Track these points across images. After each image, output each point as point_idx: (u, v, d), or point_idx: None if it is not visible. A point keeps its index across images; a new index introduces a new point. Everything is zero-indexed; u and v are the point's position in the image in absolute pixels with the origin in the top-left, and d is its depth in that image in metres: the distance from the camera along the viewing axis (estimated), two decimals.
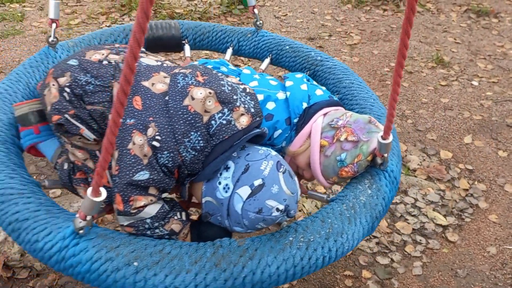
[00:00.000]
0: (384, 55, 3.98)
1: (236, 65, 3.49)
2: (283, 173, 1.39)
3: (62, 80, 1.47)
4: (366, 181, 1.58)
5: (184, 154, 1.37)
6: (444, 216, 2.49)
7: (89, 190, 1.15)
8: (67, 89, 1.45)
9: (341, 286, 2.11)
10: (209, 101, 1.39)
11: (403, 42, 1.14)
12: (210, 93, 1.41)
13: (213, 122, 1.38)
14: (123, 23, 4.16)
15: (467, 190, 2.66)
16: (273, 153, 1.45)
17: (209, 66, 1.88)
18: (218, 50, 2.52)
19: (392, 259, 2.25)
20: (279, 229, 1.42)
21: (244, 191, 1.35)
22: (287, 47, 2.36)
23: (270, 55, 2.39)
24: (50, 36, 2.01)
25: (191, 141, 1.36)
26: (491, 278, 2.18)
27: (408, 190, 2.61)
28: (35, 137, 1.64)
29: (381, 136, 1.44)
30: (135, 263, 1.24)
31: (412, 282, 2.15)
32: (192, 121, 1.37)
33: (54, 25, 2.01)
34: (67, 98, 1.45)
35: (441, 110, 3.34)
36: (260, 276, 1.27)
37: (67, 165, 1.58)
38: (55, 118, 1.45)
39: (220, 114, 1.40)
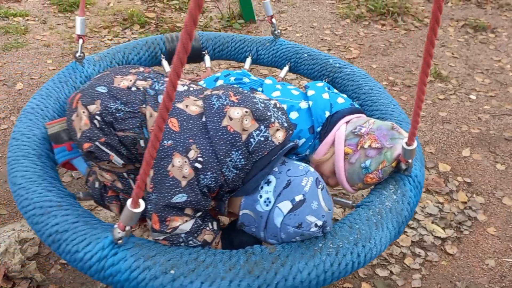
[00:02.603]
0: (383, 69, 4.03)
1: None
2: (321, 189, 1.43)
3: (92, 108, 1.48)
4: (391, 186, 1.60)
5: (226, 173, 1.39)
6: (443, 228, 2.50)
7: (129, 201, 1.18)
8: (98, 117, 1.46)
9: None
10: (246, 120, 1.42)
11: (427, 51, 1.16)
12: (246, 112, 1.43)
13: (251, 139, 1.41)
14: (125, 37, 4.22)
15: (465, 203, 2.68)
16: (312, 169, 1.48)
17: (232, 78, 1.93)
18: (237, 59, 2.55)
19: (391, 271, 2.25)
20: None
21: (285, 206, 1.38)
22: (305, 55, 2.38)
23: (289, 63, 2.40)
24: (77, 52, 2.04)
25: (232, 160, 1.39)
26: None
27: None
28: (68, 154, 1.69)
29: (406, 142, 1.48)
30: (172, 271, 1.28)
31: None
32: (233, 141, 1.39)
33: (81, 40, 2.04)
34: (98, 125, 1.46)
35: (439, 123, 3.37)
36: (292, 282, 1.30)
37: (98, 183, 1.62)
38: (86, 146, 1.47)
39: (257, 132, 1.42)
